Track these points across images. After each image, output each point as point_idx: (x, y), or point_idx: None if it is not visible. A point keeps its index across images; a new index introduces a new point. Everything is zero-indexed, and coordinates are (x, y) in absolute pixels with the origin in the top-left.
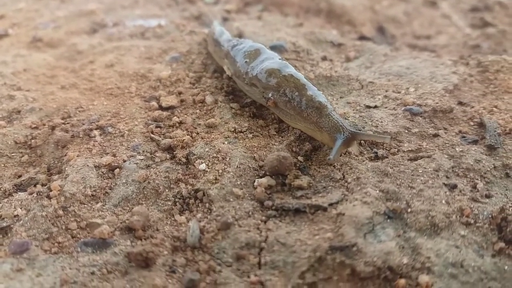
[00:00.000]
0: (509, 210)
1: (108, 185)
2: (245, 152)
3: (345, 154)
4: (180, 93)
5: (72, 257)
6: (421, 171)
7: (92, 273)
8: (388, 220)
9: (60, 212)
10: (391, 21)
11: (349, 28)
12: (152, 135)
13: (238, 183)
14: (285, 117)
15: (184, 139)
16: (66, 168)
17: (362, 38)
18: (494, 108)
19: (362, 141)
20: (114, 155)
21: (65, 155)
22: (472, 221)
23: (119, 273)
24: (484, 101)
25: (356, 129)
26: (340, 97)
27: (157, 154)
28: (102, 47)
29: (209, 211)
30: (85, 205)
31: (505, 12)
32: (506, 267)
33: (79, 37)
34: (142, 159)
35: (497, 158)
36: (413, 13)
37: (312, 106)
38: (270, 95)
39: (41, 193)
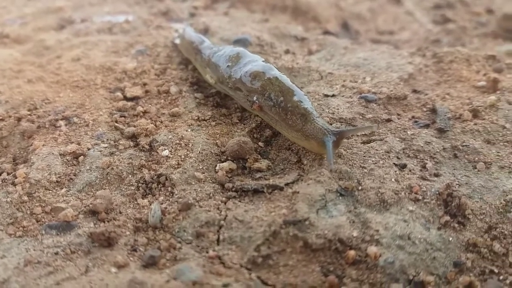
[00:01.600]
0: (455, 186)
1: (73, 171)
2: (208, 139)
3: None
4: (145, 84)
5: (37, 239)
6: (373, 153)
7: (56, 253)
8: (340, 197)
9: (25, 198)
10: (356, 17)
11: (314, 25)
12: (116, 124)
13: (200, 167)
14: (270, 121)
15: (147, 128)
16: (32, 157)
17: (326, 33)
18: (447, 96)
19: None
20: (78, 144)
21: (31, 145)
22: (420, 197)
23: (82, 253)
24: (438, 89)
25: (339, 129)
26: (301, 88)
27: (121, 142)
28: (69, 42)
29: (171, 194)
30: (50, 191)
31: (466, 9)
32: (450, 239)
33: (47, 33)
34: (106, 147)
35: (447, 140)
36: (377, 10)
37: (298, 113)
38: (255, 98)
39: (6, 181)
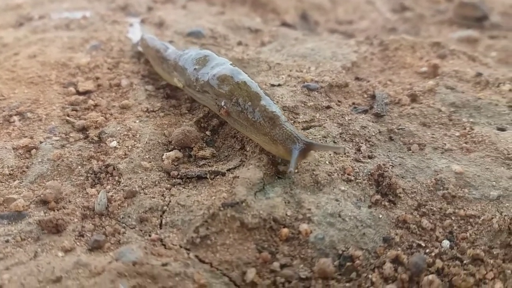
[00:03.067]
0: (388, 167)
1: (25, 164)
2: (155, 129)
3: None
4: (97, 78)
5: None
6: (311, 138)
7: (7, 241)
8: (278, 180)
9: None
10: (316, 8)
11: (273, 16)
12: (67, 118)
13: (147, 157)
14: (239, 127)
15: (97, 120)
16: None
17: (284, 25)
18: (388, 82)
19: None
20: (31, 138)
21: None
22: (353, 178)
23: (31, 240)
24: (381, 76)
25: (310, 140)
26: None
27: (72, 135)
28: (27, 39)
29: (118, 183)
30: (3, 183)
31: None
32: (380, 216)
33: (5, 30)
34: (57, 140)
35: (383, 124)
36: (339, 0)
37: (265, 117)
38: (223, 103)
39: None
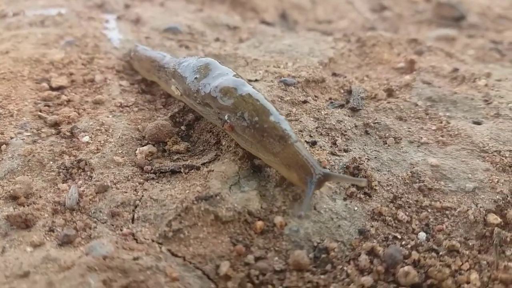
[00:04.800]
0: (363, 160)
1: None
2: (129, 124)
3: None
4: (71, 74)
5: None
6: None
7: None
8: (253, 174)
9: None
10: (296, 7)
11: (253, 15)
12: (39, 113)
13: (120, 151)
14: (245, 144)
15: (70, 115)
16: None
17: (263, 23)
18: (365, 77)
19: None
20: (2, 133)
21: None
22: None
23: (0, 235)
24: (358, 71)
25: (328, 171)
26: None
27: (43, 130)
28: (0, 36)
29: (90, 178)
30: None
31: None
32: (355, 208)
33: None
34: (29, 135)
35: (359, 118)
36: (318, 0)
37: (275, 135)
38: (226, 117)
39: None
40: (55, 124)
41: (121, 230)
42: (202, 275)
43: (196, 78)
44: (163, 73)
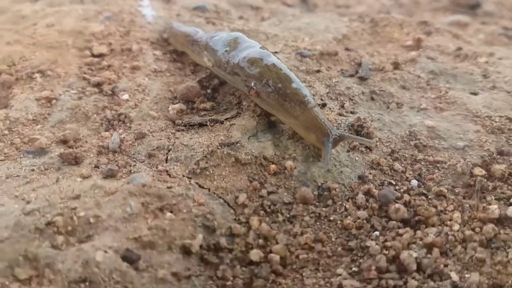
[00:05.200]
0: (366, 120)
1: (47, 112)
2: (163, 86)
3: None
4: (110, 44)
5: (16, 161)
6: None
7: (32, 169)
8: (269, 128)
9: (6, 132)
10: None
11: None
12: (84, 75)
13: (155, 108)
14: (269, 108)
15: (111, 78)
16: (11, 102)
17: (284, 4)
18: (375, 53)
19: None
20: (51, 91)
21: (10, 93)
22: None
23: (53, 169)
24: (369, 48)
25: (342, 132)
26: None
27: (88, 89)
28: (44, 12)
29: (129, 128)
30: (27, 127)
31: None
32: (357, 158)
33: (23, 4)
34: (75, 93)
35: (366, 86)
36: None
37: (296, 100)
38: (252, 84)
39: None
40: (98, 84)
41: (156, 167)
42: (223, 202)
43: (226, 50)
44: (196, 46)
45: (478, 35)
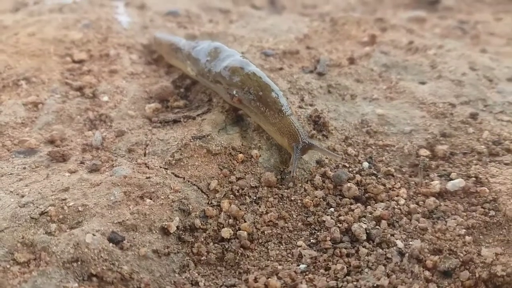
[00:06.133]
0: (323, 111)
1: (34, 115)
2: (139, 87)
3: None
4: (89, 50)
5: (8, 161)
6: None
7: (24, 168)
8: (236, 122)
9: None
10: None
11: (243, 1)
12: (66, 80)
13: (132, 107)
14: (250, 114)
15: (91, 82)
16: (0, 108)
17: (252, 7)
18: (334, 50)
19: None
20: (37, 96)
21: None
22: None
23: (43, 166)
24: (328, 45)
25: (311, 141)
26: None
27: (70, 93)
28: (25, 21)
29: (110, 126)
30: (17, 130)
31: None
32: None
33: (4, 15)
34: (59, 97)
35: (324, 81)
36: None
37: (276, 108)
38: (234, 92)
39: None
40: (80, 88)
41: (136, 161)
42: (197, 189)
43: (207, 60)
44: (180, 54)
45: (434, 29)
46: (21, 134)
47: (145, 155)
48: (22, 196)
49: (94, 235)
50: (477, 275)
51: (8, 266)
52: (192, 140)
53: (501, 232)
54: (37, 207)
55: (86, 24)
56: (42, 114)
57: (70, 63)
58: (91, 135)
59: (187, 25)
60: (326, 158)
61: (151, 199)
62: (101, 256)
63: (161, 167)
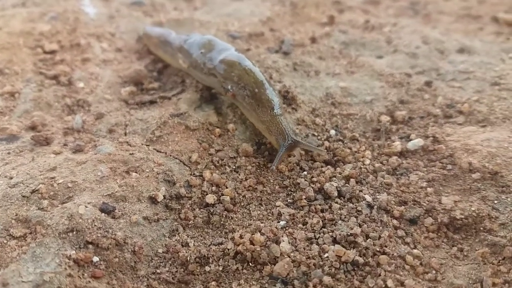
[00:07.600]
0: (291, 87)
1: (12, 104)
2: (113, 73)
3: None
4: (59, 41)
5: None
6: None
7: (9, 153)
8: (211, 100)
9: None
10: None
11: None
12: (40, 70)
13: (108, 92)
14: (243, 109)
15: (65, 70)
16: None
17: None
18: (296, 31)
19: None
20: (12, 86)
21: None
22: None
23: (27, 150)
24: (291, 27)
25: (298, 138)
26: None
27: (46, 82)
28: None
29: (88, 111)
30: None
31: None
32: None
33: None
34: (34, 86)
35: (289, 59)
36: None
37: (268, 106)
38: (229, 87)
39: None
40: (54, 77)
41: (118, 140)
42: (179, 162)
43: (202, 52)
44: (169, 47)
45: (388, 10)
46: (1, 123)
47: (125, 134)
48: (11, 178)
49: (86, 206)
50: (439, 220)
51: (5, 241)
52: (170, 117)
53: (458, 183)
54: (28, 186)
55: (53, 17)
56: (20, 103)
57: (42, 54)
58: (71, 120)
59: (153, 13)
60: (297, 128)
61: (136, 172)
62: (95, 225)
63: (142, 144)
